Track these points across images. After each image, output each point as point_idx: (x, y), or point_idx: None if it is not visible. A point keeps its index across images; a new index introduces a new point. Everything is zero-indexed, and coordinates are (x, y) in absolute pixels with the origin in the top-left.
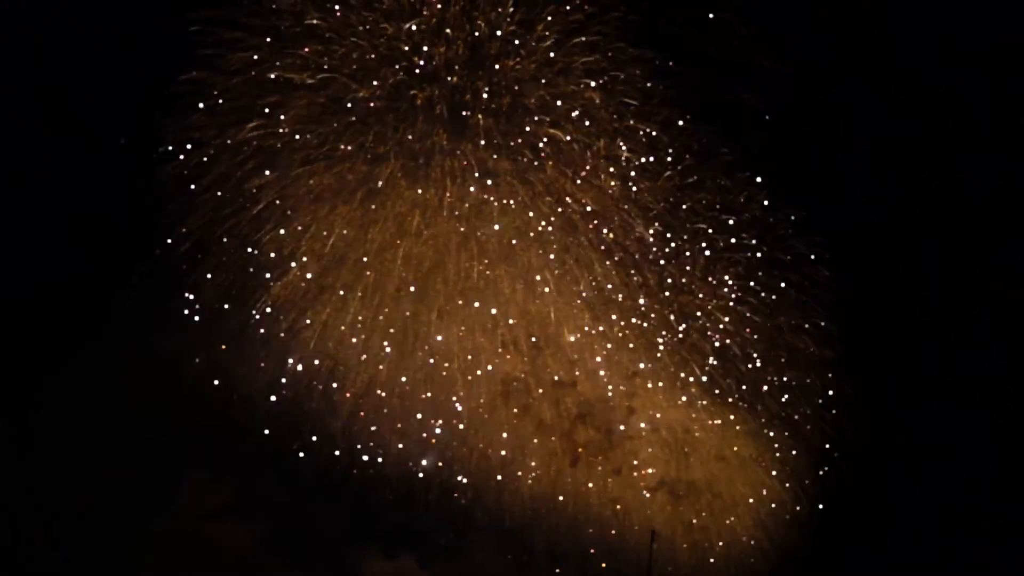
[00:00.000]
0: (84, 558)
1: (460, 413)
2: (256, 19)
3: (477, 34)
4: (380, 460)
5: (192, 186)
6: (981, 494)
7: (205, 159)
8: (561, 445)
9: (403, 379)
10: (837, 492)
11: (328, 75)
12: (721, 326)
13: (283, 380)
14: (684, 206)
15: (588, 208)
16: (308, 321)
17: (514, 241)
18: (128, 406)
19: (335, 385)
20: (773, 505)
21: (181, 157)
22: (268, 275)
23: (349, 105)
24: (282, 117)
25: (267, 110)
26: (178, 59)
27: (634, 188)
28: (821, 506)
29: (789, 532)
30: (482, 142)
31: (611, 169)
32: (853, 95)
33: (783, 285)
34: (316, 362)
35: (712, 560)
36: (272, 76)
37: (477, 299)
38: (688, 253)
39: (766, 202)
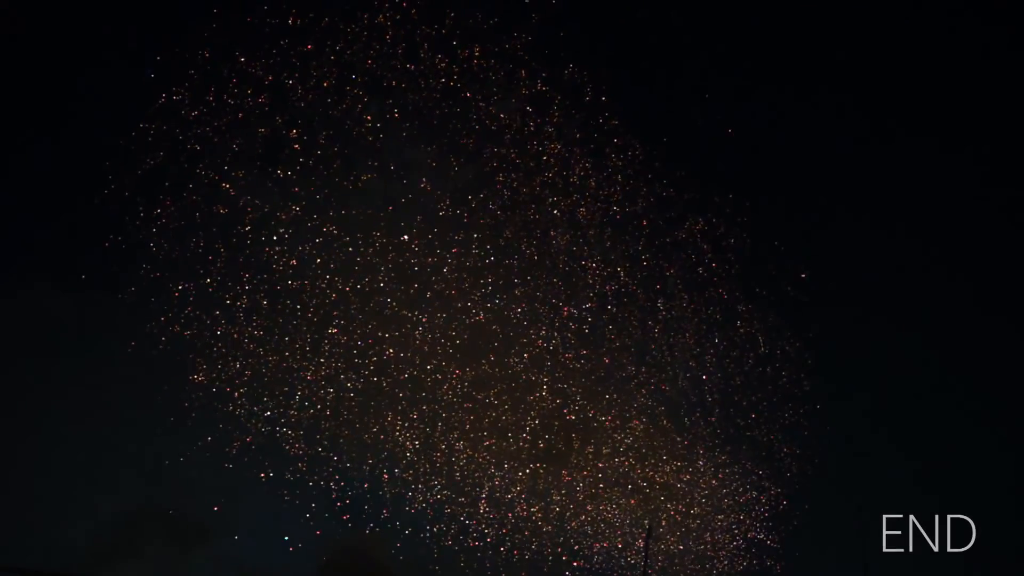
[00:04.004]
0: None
1: (429, 418)
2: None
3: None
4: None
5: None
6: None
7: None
8: (527, 448)
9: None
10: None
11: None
12: (692, 363)
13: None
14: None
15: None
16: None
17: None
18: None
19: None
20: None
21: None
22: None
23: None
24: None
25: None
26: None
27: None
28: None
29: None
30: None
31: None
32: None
33: (765, 317)
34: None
35: (693, 558)
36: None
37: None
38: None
39: (746, 236)
